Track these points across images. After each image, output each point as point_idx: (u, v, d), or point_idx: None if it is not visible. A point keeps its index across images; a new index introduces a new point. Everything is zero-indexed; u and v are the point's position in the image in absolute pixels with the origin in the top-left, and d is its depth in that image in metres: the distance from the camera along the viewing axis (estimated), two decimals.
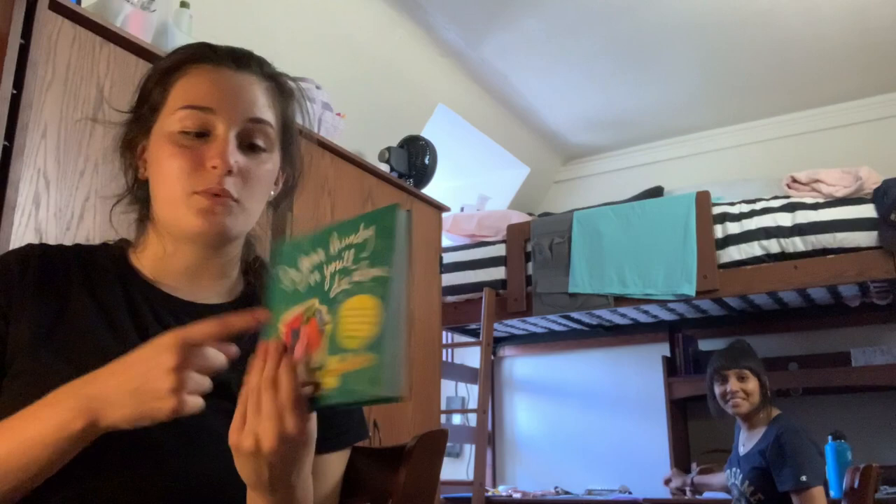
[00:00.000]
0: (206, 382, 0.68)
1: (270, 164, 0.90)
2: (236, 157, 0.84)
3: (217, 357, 0.68)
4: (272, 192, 0.95)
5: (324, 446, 0.87)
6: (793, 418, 2.69)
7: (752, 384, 2.70)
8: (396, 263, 0.62)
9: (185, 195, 0.84)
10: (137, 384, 0.66)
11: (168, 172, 0.85)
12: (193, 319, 0.86)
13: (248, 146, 0.87)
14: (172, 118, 0.86)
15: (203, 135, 0.85)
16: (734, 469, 2.73)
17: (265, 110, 0.89)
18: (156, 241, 0.90)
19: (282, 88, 0.94)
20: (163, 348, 0.66)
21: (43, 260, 0.85)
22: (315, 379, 0.63)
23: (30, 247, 0.87)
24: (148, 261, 0.91)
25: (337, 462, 0.89)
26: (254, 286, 0.96)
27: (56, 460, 0.69)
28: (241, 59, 0.90)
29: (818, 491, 2.46)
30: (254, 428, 0.63)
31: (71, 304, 0.83)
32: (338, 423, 0.89)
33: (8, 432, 0.69)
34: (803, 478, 2.44)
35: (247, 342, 0.83)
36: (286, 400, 0.62)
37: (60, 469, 0.70)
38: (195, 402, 0.66)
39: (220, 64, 0.88)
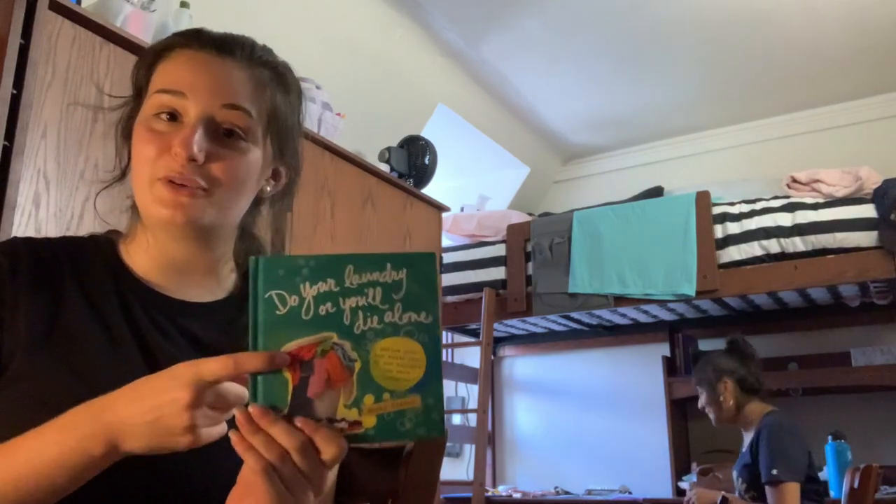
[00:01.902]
0: (220, 418, 0.66)
1: (251, 155, 0.86)
2: (203, 145, 0.81)
3: (235, 391, 0.66)
4: (267, 188, 0.93)
5: None
6: (784, 415, 2.69)
7: (703, 398, 2.80)
8: (436, 311, 0.65)
9: (149, 182, 0.82)
10: (153, 417, 0.64)
11: (137, 158, 0.83)
12: (187, 319, 0.85)
13: (225, 134, 0.84)
14: (149, 103, 0.84)
15: (176, 120, 0.83)
16: (736, 471, 2.75)
17: (245, 98, 0.85)
18: (142, 232, 0.88)
19: (276, 78, 0.90)
20: (178, 384, 0.64)
21: (33, 256, 0.82)
22: (349, 416, 0.63)
23: (16, 241, 0.84)
24: (136, 254, 0.88)
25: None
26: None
27: (74, 482, 0.67)
28: (224, 45, 0.87)
29: (791, 486, 2.44)
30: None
31: (65, 303, 0.80)
32: None
33: (22, 454, 0.67)
34: (774, 471, 2.45)
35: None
36: (332, 457, 0.62)
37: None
38: (211, 434, 0.65)
39: (201, 49, 0.86)
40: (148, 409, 0.64)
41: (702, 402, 2.82)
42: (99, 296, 0.83)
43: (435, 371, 0.64)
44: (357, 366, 0.63)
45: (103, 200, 0.99)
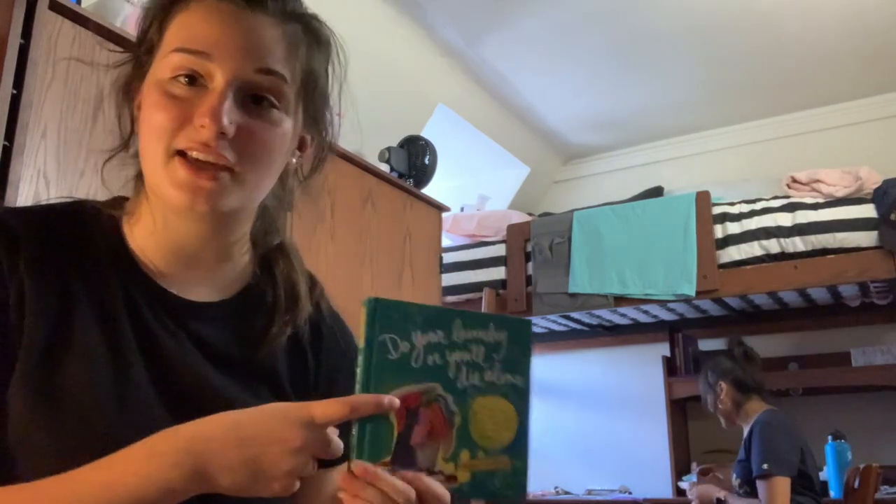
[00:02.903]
0: (314, 469, 0.63)
1: (285, 126, 0.75)
2: (233, 116, 0.69)
3: (337, 448, 0.63)
4: (293, 160, 0.81)
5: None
6: (778, 413, 2.75)
7: (709, 402, 2.89)
8: (529, 376, 0.68)
9: (164, 157, 0.70)
10: (254, 456, 0.60)
11: (150, 127, 0.71)
12: (197, 323, 0.76)
13: (254, 101, 0.72)
14: (164, 62, 0.71)
15: (196, 84, 0.70)
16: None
17: (279, 60, 0.73)
18: (147, 211, 0.76)
19: (309, 33, 0.79)
20: (288, 424, 0.61)
21: (32, 239, 0.70)
22: (446, 469, 0.65)
23: (4, 215, 0.71)
24: (141, 237, 0.76)
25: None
26: (274, 276, 0.83)
27: None
28: None
29: (781, 480, 2.51)
30: None
31: (72, 307, 0.69)
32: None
33: (95, 486, 0.59)
34: (765, 466, 2.52)
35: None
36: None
37: None
38: (297, 485, 0.62)
39: None
40: (249, 447, 0.60)
41: (710, 406, 2.89)
42: (106, 299, 0.71)
43: (524, 435, 0.67)
44: (457, 420, 0.65)
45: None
